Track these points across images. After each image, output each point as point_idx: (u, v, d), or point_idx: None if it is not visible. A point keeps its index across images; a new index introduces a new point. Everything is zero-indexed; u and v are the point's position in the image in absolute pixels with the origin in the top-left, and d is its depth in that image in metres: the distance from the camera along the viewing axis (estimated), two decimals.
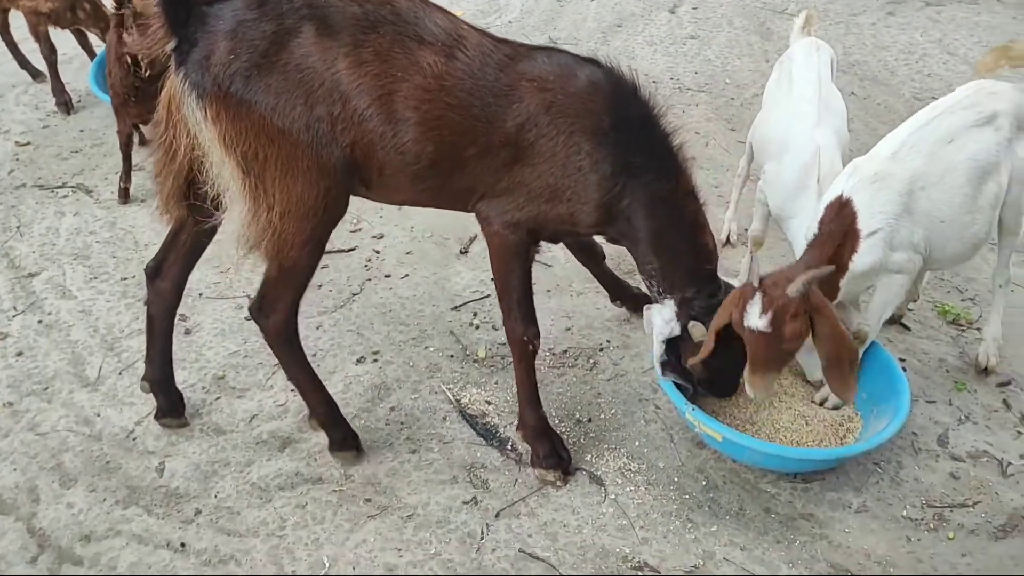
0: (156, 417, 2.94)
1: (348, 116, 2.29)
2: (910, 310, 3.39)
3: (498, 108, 2.35)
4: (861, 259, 2.58)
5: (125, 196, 4.20)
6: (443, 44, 2.31)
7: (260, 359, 3.25)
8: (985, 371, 3.07)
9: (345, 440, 2.78)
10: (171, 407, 2.92)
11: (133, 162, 4.27)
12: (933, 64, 5.51)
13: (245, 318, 3.45)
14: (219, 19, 2.22)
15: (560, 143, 2.36)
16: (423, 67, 2.28)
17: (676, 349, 2.70)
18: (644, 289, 2.81)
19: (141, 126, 4.42)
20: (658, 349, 2.67)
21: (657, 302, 2.67)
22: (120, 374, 3.19)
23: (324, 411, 2.76)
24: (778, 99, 3.30)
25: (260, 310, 2.55)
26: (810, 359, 2.80)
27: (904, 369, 3.06)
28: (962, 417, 2.93)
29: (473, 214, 2.60)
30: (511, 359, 3.18)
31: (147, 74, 3.91)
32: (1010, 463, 2.76)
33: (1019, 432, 2.87)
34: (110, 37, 4.00)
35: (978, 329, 3.30)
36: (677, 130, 2.52)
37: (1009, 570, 2.43)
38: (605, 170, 2.40)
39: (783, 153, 3.04)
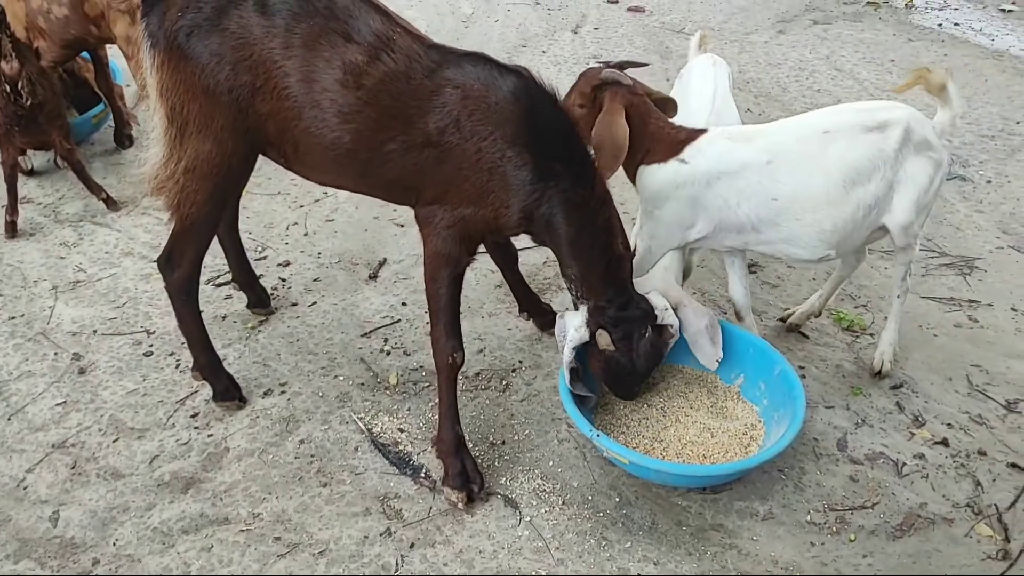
0: (249, 305, 3.51)
1: (268, 90, 2.47)
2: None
3: (418, 109, 2.44)
4: (664, 168, 2.79)
5: (12, 230, 4.00)
6: (369, 44, 2.43)
7: (160, 396, 3.12)
8: (879, 375, 3.20)
9: (227, 391, 3.04)
10: (259, 300, 3.50)
11: (20, 194, 4.08)
12: (822, 80, 5.76)
13: (144, 354, 3.32)
14: None
15: (484, 148, 2.44)
16: (344, 62, 2.40)
17: (583, 357, 2.78)
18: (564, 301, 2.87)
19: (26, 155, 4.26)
20: (568, 356, 2.72)
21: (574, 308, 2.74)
22: (8, 419, 3.01)
23: (208, 363, 3.02)
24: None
25: (167, 263, 2.82)
26: (702, 352, 2.93)
27: (803, 376, 3.18)
28: (859, 421, 3.05)
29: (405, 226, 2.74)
30: (423, 384, 3.18)
31: (28, 103, 3.76)
32: (904, 463, 2.88)
33: (912, 433, 3.00)
34: None
35: (871, 335, 3.44)
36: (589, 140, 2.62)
37: (908, 569, 2.53)
38: (525, 176, 2.46)
39: None
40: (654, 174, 2.82)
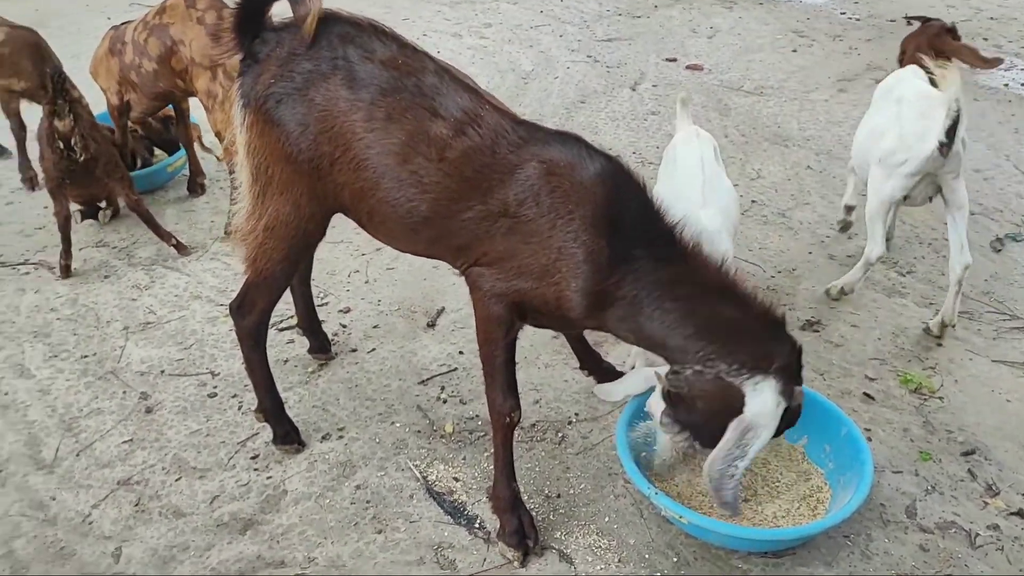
0: (310, 350, 3.58)
1: (347, 161, 2.51)
2: (872, 379, 3.42)
3: (500, 182, 2.43)
4: None
5: (66, 272, 4.17)
6: (456, 120, 2.44)
7: (222, 437, 3.17)
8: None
9: (288, 435, 3.10)
10: (320, 346, 3.56)
11: (97, 239, 4.26)
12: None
13: (208, 395, 3.39)
14: (278, 46, 2.54)
15: (558, 226, 2.39)
16: (428, 136, 2.43)
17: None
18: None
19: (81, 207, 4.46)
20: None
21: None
22: (77, 455, 3.09)
23: (271, 407, 3.09)
24: (664, 178, 3.31)
25: (238, 309, 2.91)
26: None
27: (869, 439, 3.08)
28: (929, 487, 2.93)
29: (460, 280, 2.66)
30: (479, 434, 3.17)
31: (81, 158, 3.95)
32: (978, 534, 2.75)
33: (985, 503, 2.88)
34: (42, 123, 4.04)
35: (940, 398, 3.33)
36: (679, 221, 2.49)
37: None
38: (601, 260, 2.38)
39: None
40: None
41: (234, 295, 2.93)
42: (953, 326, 3.63)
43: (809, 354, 3.52)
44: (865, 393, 3.36)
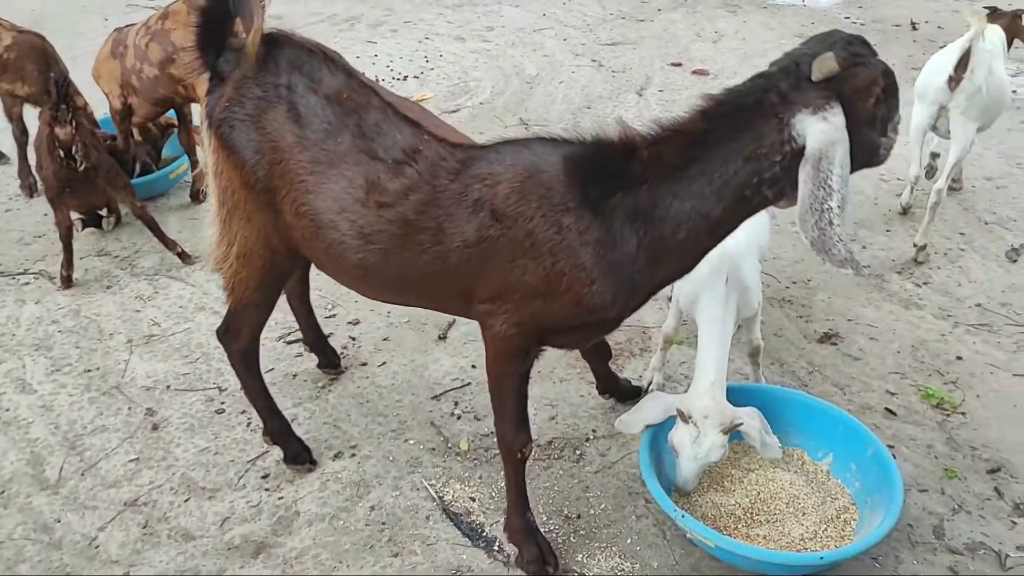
0: (319, 365, 3.48)
1: (290, 203, 2.39)
2: (893, 394, 3.37)
3: (448, 216, 2.23)
4: None
5: (68, 283, 4.09)
6: (394, 160, 2.28)
7: (231, 456, 3.10)
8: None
9: (299, 454, 3.01)
10: (329, 361, 3.47)
11: (99, 248, 4.17)
12: (895, 145, 5.63)
13: (216, 411, 3.31)
14: (237, 67, 2.42)
15: (534, 229, 2.18)
16: (366, 182, 2.28)
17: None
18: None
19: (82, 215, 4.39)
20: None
21: None
22: (82, 475, 3.01)
23: (277, 428, 2.99)
24: None
25: (226, 335, 2.82)
26: (769, 449, 2.74)
27: (893, 456, 3.02)
28: (955, 507, 2.88)
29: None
30: (494, 451, 3.10)
31: (81, 167, 3.87)
32: (1008, 555, 2.70)
33: (1014, 522, 2.82)
34: (41, 130, 3.97)
35: (963, 414, 3.28)
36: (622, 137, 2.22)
37: None
38: (596, 235, 2.16)
39: None
40: None
41: None
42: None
43: (828, 368, 3.50)
44: (887, 408, 3.30)
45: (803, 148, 1.99)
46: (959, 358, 3.59)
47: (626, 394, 3.27)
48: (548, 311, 2.28)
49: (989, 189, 4.94)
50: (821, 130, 1.97)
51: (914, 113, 4.14)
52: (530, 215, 2.17)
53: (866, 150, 2.10)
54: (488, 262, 2.25)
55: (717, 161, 2.07)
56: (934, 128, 4.16)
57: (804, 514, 2.73)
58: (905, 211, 4.60)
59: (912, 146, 4.26)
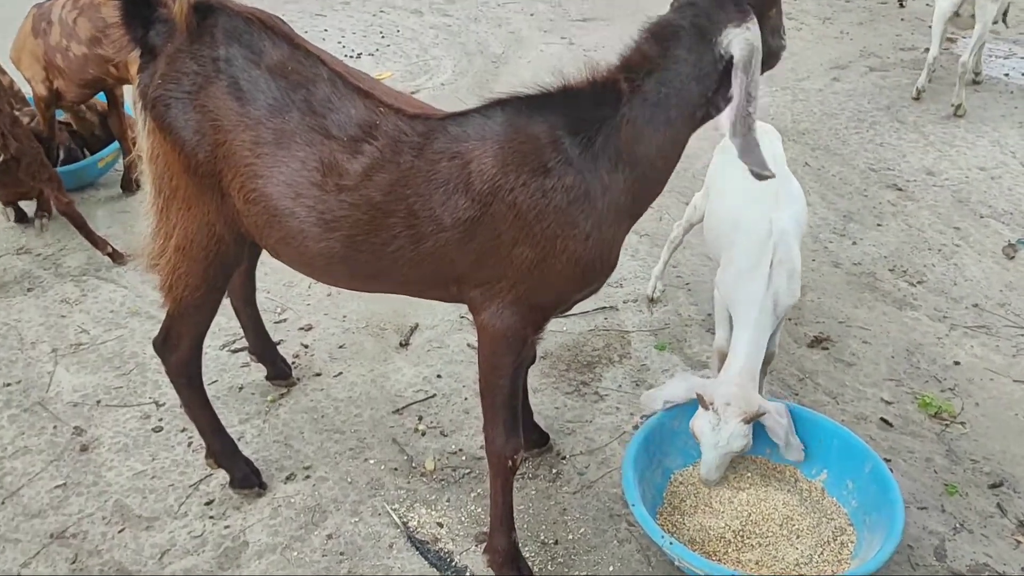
0: (268, 377, 3.39)
1: (237, 189, 2.33)
2: (888, 403, 3.37)
3: (418, 195, 2.20)
4: None
5: None
6: (350, 137, 2.22)
7: (171, 480, 2.99)
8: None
9: (246, 477, 2.91)
10: (279, 372, 3.39)
11: (19, 244, 4.01)
12: (884, 132, 5.67)
13: (153, 429, 3.19)
14: (169, 40, 2.32)
15: (517, 199, 2.16)
16: (322, 163, 2.22)
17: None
18: None
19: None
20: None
21: None
22: (2, 503, 2.88)
23: (222, 449, 2.89)
24: (728, 184, 3.24)
25: (164, 344, 2.72)
26: (792, 449, 2.83)
27: (891, 470, 3.02)
28: (957, 525, 2.88)
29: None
30: (464, 471, 3.03)
31: (0, 158, 3.73)
32: None
33: (1018, 541, 2.83)
34: None
35: (962, 423, 3.29)
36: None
37: None
38: (583, 189, 2.17)
39: (734, 233, 2.99)
40: None
41: None
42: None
43: (819, 375, 3.49)
44: (883, 418, 3.30)
45: (731, 60, 2.17)
46: (956, 363, 3.60)
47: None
48: (545, 282, 2.28)
49: (983, 180, 4.99)
50: (746, 39, 2.15)
51: (938, 2, 5.54)
52: (510, 187, 2.18)
53: (770, 55, 2.30)
54: (471, 243, 2.25)
55: (676, 83, 2.19)
56: (956, 15, 5.44)
57: (798, 536, 2.71)
58: (919, 95, 5.95)
59: (935, 31, 5.65)
